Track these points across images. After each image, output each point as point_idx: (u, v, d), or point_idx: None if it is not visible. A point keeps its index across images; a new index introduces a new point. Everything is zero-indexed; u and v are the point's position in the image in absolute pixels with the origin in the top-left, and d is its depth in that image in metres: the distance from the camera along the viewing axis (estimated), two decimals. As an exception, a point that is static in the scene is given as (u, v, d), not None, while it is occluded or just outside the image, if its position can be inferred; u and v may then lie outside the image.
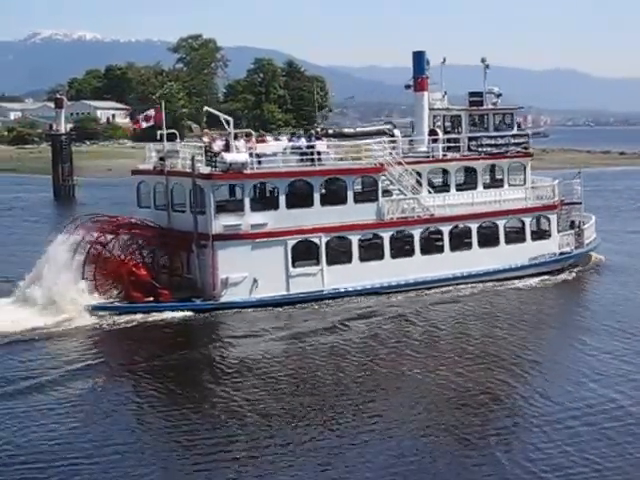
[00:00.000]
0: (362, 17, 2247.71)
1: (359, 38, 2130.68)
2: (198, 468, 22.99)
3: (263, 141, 42.85)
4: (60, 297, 37.96)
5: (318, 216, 41.25)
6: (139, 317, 38.13)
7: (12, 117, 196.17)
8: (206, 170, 40.10)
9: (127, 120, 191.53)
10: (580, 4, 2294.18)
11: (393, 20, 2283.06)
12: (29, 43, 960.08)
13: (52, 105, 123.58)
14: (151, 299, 39.14)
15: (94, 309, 38.00)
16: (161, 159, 42.21)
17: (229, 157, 39.89)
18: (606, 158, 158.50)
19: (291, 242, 40.66)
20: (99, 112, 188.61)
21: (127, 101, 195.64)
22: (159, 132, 43.84)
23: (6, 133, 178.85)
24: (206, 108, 43.09)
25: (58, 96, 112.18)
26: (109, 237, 39.81)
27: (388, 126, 46.57)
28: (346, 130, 46.66)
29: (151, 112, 42.90)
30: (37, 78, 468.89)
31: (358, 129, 46.83)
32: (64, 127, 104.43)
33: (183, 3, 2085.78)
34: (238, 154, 40.17)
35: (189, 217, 40.57)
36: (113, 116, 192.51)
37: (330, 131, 46.15)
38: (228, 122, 40.86)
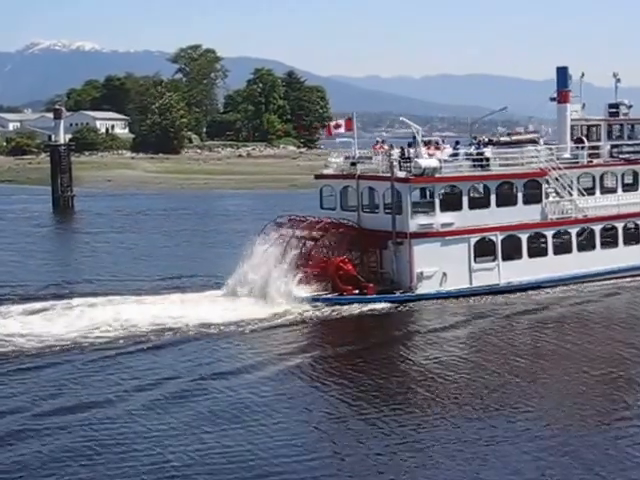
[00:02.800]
0: (363, 28, 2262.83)
1: (360, 49, 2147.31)
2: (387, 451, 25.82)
3: (438, 149, 48.59)
4: (277, 290, 43.45)
5: (494, 216, 47.19)
6: (346, 308, 43.58)
7: (11, 128, 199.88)
8: (402, 174, 45.84)
9: (126, 130, 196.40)
10: (580, 13, 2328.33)
11: (394, 31, 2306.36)
12: (28, 53, 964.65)
13: (51, 116, 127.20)
14: (356, 292, 44.74)
15: (311, 300, 43.49)
16: (352, 164, 47.78)
17: (423, 162, 45.73)
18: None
19: (473, 239, 46.53)
20: (98, 123, 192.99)
21: (126, 111, 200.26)
22: (339, 140, 49.52)
23: (5, 144, 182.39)
24: (402, 118, 48.48)
25: (57, 107, 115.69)
26: (316, 235, 45.32)
27: (536, 135, 52.65)
28: (502, 139, 52.54)
29: (341, 121, 48.33)
30: (36, 89, 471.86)
31: (513, 137, 52.76)
32: (63, 138, 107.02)
33: (183, 14, 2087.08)
34: (430, 160, 46.04)
35: (382, 217, 46.31)
36: (112, 127, 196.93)
37: (486, 139, 52.05)
38: (418, 131, 46.82)
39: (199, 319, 40.74)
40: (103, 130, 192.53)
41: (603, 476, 23.90)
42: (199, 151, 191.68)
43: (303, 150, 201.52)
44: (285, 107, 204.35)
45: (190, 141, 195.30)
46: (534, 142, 51.64)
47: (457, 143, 50.87)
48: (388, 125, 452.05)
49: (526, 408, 29.26)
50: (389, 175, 45.65)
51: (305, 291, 43.91)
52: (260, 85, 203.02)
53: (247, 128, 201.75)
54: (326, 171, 50.16)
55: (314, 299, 43.64)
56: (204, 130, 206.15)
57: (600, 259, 50.11)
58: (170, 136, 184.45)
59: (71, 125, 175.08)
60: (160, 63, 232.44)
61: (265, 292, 43.69)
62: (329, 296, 44.28)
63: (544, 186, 49.01)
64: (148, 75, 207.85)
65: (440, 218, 45.94)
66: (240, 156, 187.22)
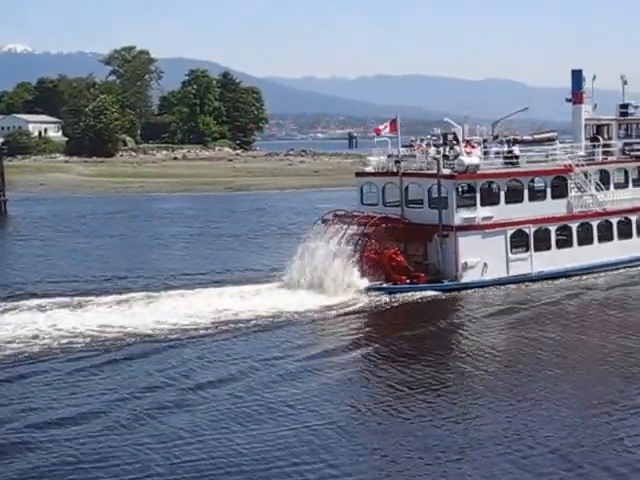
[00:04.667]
0: (299, 29, 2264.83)
1: (295, 49, 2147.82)
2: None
3: (473, 147, 52.85)
4: (338, 281, 47.32)
5: (526, 210, 51.77)
6: (399, 296, 47.51)
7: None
8: (447, 171, 50.08)
9: (59, 134, 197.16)
10: (511, 14, 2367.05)
11: (329, 32, 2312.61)
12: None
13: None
14: (408, 281, 48.88)
15: (370, 290, 47.45)
16: (397, 162, 51.83)
17: (467, 160, 50.05)
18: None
19: (509, 232, 51.02)
20: (31, 126, 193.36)
21: (59, 114, 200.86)
22: (376, 139, 53.56)
23: None
24: (445, 119, 52.42)
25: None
26: (369, 229, 49.26)
27: (555, 134, 57.38)
28: (525, 137, 57.07)
29: (387, 123, 52.40)
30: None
31: (535, 136, 57.36)
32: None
33: (116, 15, 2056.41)
34: (472, 157, 50.37)
35: (427, 211, 50.47)
36: (45, 130, 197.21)
37: (509, 138, 56.53)
38: (460, 130, 51.32)
39: (266, 310, 43.96)
40: (36, 133, 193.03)
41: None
42: (134, 154, 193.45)
43: (239, 152, 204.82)
44: (220, 109, 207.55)
45: (124, 144, 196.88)
46: (552, 140, 56.35)
47: (484, 141, 54.87)
48: (324, 126, 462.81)
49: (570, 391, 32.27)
50: (434, 172, 49.80)
51: (363, 281, 47.75)
52: (195, 86, 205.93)
53: (182, 130, 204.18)
54: (367, 169, 54.05)
55: (373, 288, 47.52)
56: (139, 132, 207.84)
57: (617, 249, 55.03)
58: (104, 139, 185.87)
59: (3, 129, 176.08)
60: (93, 65, 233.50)
61: (327, 283, 47.36)
62: (385, 285, 48.18)
63: (569, 182, 53.68)
64: (81, 77, 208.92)
65: (481, 212, 50.25)
66: (175, 158, 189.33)
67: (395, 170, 51.93)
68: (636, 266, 55.44)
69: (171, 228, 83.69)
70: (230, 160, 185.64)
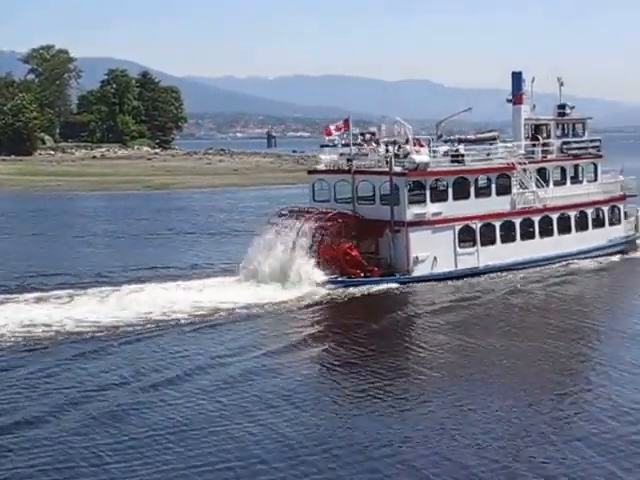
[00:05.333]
0: (218, 28, 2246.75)
1: (214, 49, 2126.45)
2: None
3: (422, 145, 54.20)
4: (298, 274, 48.35)
5: (473, 206, 53.37)
6: (352, 289, 48.63)
7: None
8: (398, 169, 51.37)
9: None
10: (427, 12, 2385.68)
11: (248, 31, 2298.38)
12: None
13: None
14: (362, 275, 50.07)
15: (328, 283, 48.50)
16: (349, 160, 52.99)
17: (417, 158, 51.44)
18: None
19: (457, 227, 52.57)
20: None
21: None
22: (328, 138, 54.63)
23: None
24: (397, 118, 53.44)
25: None
26: (325, 224, 50.29)
27: (496, 133, 59.15)
28: (469, 136, 58.73)
29: (341, 123, 53.50)
30: None
31: (479, 135, 59.03)
32: None
33: (35, 13, 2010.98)
34: (422, 155, 51.78)
35: (379, 208, 51.77)
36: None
37: (451, 137, 58.16)
38: (410, 130, 52.64)
39: (223, 304, 44.42)
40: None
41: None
42: (52, 152, 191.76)
43: (158, 151, 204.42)
44: (139, 108, 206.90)
45: (43, 142, 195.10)
46: (494, 139, 58.08)
47: (431, 140, 56.30)
48: (243, 125, 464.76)
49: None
50: (387, 170, 51.09)
51: (319, 275, 48.79)
52: (114, 86, 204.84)
53: (101, 129, 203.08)
54: (319, 167, 55.15)
55: (330, 282, 48.60)
56: (57, 131, 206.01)
57: (558, 244, 56.99)
58: (23, 137, 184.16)
59: None
60: (12, 63, 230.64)
61: (286, 276, 48.39)
62: (341, 279, 49.30)
63: (512, 179, 55.43)
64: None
65: (430, 208, 51.69)
66: (94, 157, 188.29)
67: (347, 168, 53.05)
68: (574, 260, 57.29)
69: (94, 226, 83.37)
70: (149, 159, 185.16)
